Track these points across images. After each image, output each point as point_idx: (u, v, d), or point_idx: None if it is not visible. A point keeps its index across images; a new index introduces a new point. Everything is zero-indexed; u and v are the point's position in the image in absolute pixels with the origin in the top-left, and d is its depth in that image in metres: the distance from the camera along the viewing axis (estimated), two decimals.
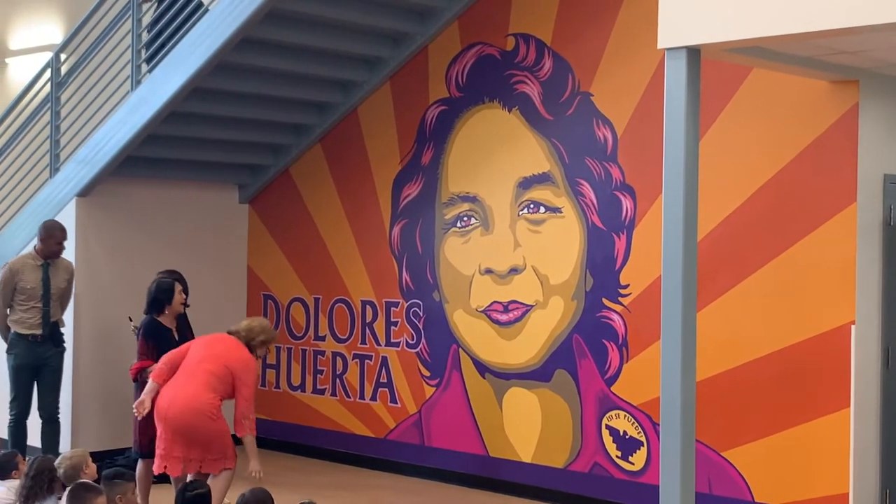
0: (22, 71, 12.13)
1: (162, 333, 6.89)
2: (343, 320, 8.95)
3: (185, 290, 7.22)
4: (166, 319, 6.99)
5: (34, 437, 8.03)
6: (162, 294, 7.04)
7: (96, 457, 8.12)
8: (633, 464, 7.19)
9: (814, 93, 6.34)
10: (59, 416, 7.99)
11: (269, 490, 5.27)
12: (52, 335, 7.88)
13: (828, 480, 6.25)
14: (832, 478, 6.22)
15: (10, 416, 7.88)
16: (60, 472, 5.49)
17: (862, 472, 6.14)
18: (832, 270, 6.28)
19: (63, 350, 8.01)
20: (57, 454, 7.24)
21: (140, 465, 6.83)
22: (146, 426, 6.65)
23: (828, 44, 5.14)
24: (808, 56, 5.55)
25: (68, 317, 8.44)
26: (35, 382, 7.89)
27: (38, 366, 7.85)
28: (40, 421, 7.95)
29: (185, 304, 7.23)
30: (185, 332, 7.12)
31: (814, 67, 5.72)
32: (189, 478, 6.26)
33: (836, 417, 6.23)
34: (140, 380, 6.95)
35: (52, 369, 7.90)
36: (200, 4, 8.19)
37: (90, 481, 5.33)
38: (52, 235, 7.87)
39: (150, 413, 6.50)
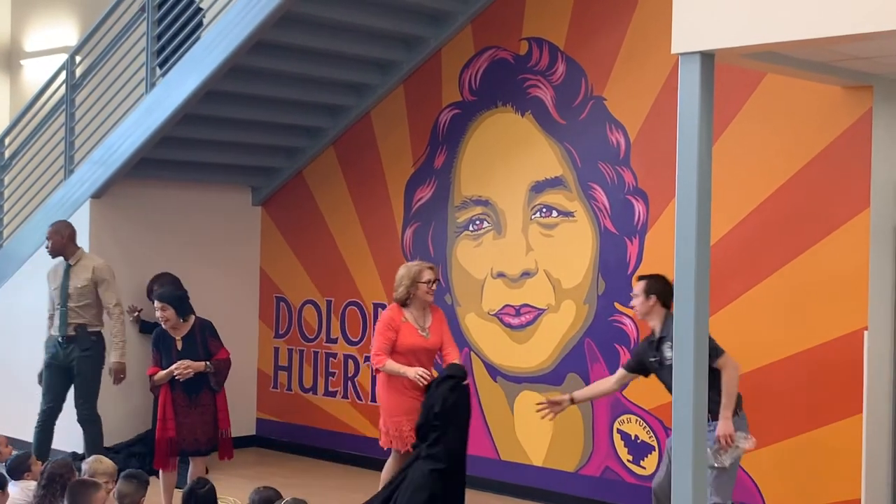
0: (37, 73, 12.20)
1: (165, 342, 6.89)
2: (355, 323, 8.96)
3: (177, 308, 6.88)
4: (170, 329, 6.98)
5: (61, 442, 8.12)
6: None
7: (113, 450, 8.25)
8: (644, 468, 7.18)
9: (827, 98, 6.34)
10: (94, 417, 7.90)
11: (279, 491, 5.28)
12: (79, 338, 7.87)
13: (840, 486, 6.24)
14: (844, 483, 6.21)
15: (38, 414, 7.96)
16: (86, 477, 5.49)
17: (874, 477, 6.12)
18: (845, 276, 6.28)
19: (89, 355, 7.89)
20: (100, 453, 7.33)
21: (162, 474, 6.88)
22: (163, 441, 6.75)
23: (842, 49, 5.14)
24: (821, 61, 5.54)
25: None
26: (67, 384, 7.95)
27: (65, 367, 7.89)
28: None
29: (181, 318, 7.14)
30: (193, 344, 6.87)
31: (827, 73, 5.72)
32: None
33: (848, 423, 6.22)
34: (150, 385, 6.97)
35: (79, 372, 7.88)
36: (204, 17, 8.24)
37: (87, 478, 5.32)
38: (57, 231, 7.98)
39: (166, 429, 6.72)
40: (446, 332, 6.88)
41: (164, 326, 6.86)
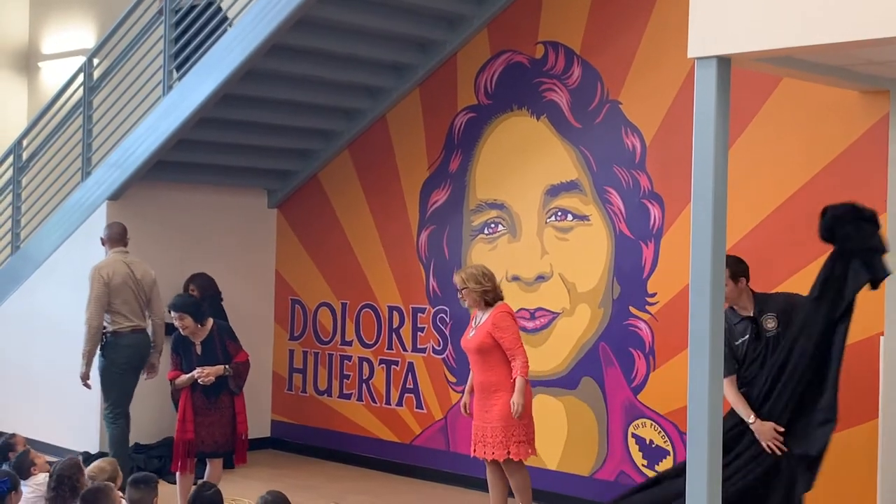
0: (54, 75, 12.27)
1: (185, 346, 6.93)
2: (370, 326, 8.98)
3: (194, 315, 6.91)
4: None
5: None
6: None
7: (135, 452, 8.28)
8: (659, 473, 7.16)
9: (844, 102, 6.32)
10: (111, 418, 7.92)
11: (294, 494, 5.29)
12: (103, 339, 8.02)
13: (855, 491, 6.22)
14: (860, 488, 6.19)
15: None
16: (90, 484, 5.50)
17: (890, 482, 6.09)
18: None
19: (102, 355, 7.96)
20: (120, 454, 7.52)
21: (178, 476, 6.93)
22: (181, 443, 6.81)
23: (859, 54, 5.13)
24: (838, 66, 5.53)
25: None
26: None
27: None
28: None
29: (216, 314, 7.15)
30: (212, 348, 6.93)
31: (844, 77, 5.70)
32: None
33: (863, 428, 6.19)
34: (171, 389, 7.00)
35: (99, 372, 7.99)
36: (225, 18, 8.26)
37: (103, 483, 5.33)
38: None
39: (185, 430, 6.79)
40: (503, 338, 6.55)
41: (183, 334, 6.90)
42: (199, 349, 6.88)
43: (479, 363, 6.65)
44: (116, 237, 8.06)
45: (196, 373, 6.79)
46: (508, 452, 6.54)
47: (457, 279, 6.76)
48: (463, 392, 7.01)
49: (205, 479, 6.93)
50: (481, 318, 6.69)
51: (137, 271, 8.01)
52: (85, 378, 7.85)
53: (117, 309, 7.88)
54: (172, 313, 6.91)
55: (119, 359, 7.89)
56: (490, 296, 6.68)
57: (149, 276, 8.05)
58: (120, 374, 7.89)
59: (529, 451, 6.63)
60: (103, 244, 8.10)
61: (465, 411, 6.91)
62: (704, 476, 4.95)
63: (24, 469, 5.96)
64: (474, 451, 6.74)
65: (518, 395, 6.47)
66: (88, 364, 7.82)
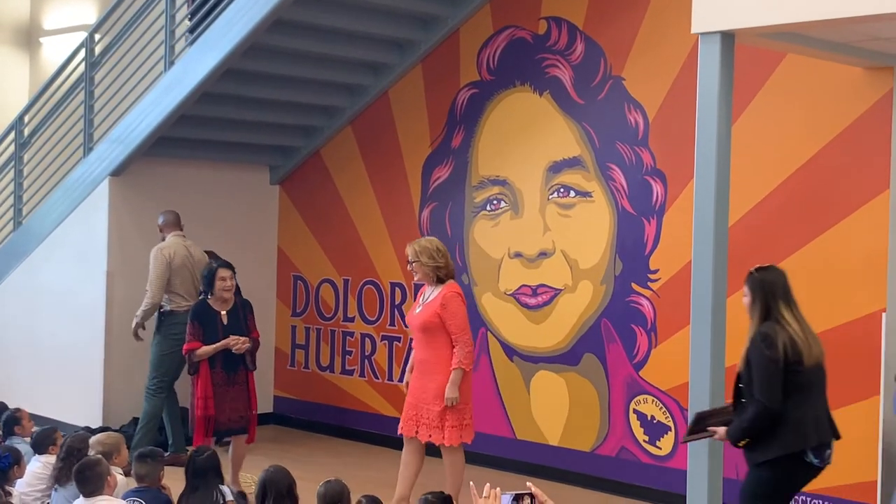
0: (56, 51, 12.24)
1: (208, 316, 6.92)
2: (372, 302, 8.99)
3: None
4: (215, 303, 7.00)
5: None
6: (204, 279, 7.16)
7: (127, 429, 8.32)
8: (660, 448, 7.20)
9: (848, 79, 6.30)
10: (147, 394, 8.05)
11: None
12: (158, 317, 8.19)
13: (856, 468, 6.24)
14: (860, 465, 6.21)
15: None
16: (91, 453, 5.53)
17: (890, 459, 6.12)
18: (864, 257, 6.26)
19: (156, 332, 8.12)
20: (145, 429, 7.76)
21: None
22: (204, 419, 6.83)
23: (862, 30, 5.11)
24: (842, 42, 5.51)
25: (100, 294, 8.60)
26: None
27: None
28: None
29: (236, 291, 7.16)
30: (238, 319, 6.97)
31: (848, 53, 5.69)
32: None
33: (865, 405, 6.21)
34: (188, 361, 6.99)
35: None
36: None
37: (94, 456, 5.36)
38: None
39: (206, 407, 6.79)
40: (450, 322, 6.31)
41: (223, 297, 6.91)
42: (225, 319, 6.89)
43: (422, 341, 6.41)
44: (173, 222, 8.27)
45: (230, 340, 6.80)
46: (444, 437, 6.34)
47: (409, 251, 6.46)
48: (407, 371, 6.69)
49: (229, 457, 6.99)
50: (430, 295, 6.44)
51: (195, 253, 8.19)
52: (136, 331, 8.12)
53: (175, 290, 8.02)
54: (224, 272, 6.94)
55: (173, 336, 7.94)
56: (443, 272, 6.41)
57: (204, 258, 8.19)
58: (170, 352, 7.95)
59: (462, 436, 6.39)
60: (161, 231, 8.27)
61: (406, 390, 6.64)
62: (705, 452, 4.97)
63: (44, 445, 6.01)
64: (401, 428, 6.49)
65: (451, 388, 6.24)
66: (142, 320, 8.07)
